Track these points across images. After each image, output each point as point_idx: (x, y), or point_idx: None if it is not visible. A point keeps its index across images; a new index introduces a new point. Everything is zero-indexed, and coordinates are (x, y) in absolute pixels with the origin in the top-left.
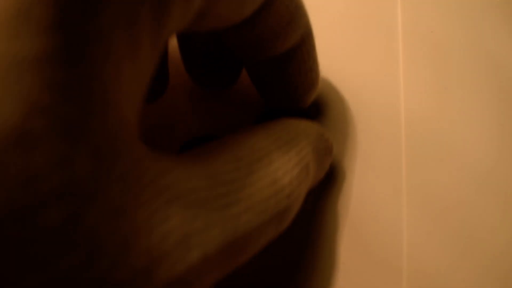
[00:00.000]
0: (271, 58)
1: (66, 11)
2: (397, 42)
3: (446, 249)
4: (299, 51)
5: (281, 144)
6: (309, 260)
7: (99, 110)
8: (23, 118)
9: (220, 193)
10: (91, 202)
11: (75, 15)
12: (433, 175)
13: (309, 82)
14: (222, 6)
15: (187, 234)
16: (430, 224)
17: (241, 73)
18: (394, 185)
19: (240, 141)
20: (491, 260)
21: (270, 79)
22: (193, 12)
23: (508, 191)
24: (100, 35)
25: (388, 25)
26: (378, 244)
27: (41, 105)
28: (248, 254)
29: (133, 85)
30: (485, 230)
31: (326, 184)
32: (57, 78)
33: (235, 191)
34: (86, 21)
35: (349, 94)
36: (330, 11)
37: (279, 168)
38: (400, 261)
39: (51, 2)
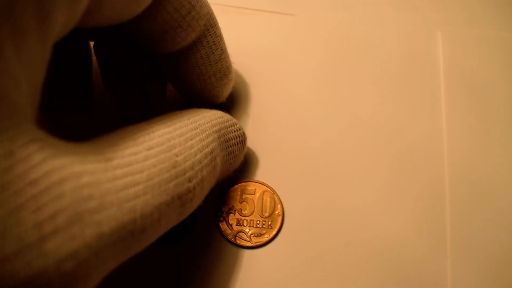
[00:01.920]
0: (178, 51)
1: None
2: (439, 84)
3: None
4: (205, 41)
5: (183, 132)
6: None
7: None
8: None
9: (117, 175)
10: None
11: None
12: (478, 222)
13: (220, 72)
14: (108, 3)
15: (80, 213)
16: (475, 274)
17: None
18: (439, 234)
19: (142, 128)
20: None
21: (180, 73)
22: (79, 12)
23: None
24: None
25: (430, 67)
26: None
27: None
28: (149, 237)
29: (23, 76)
30: None
31: None
32: None
33: (132, 174)
34: None
35: (392, 138)
36: (372, 52)
37: (180, 153)
38: None
39: None
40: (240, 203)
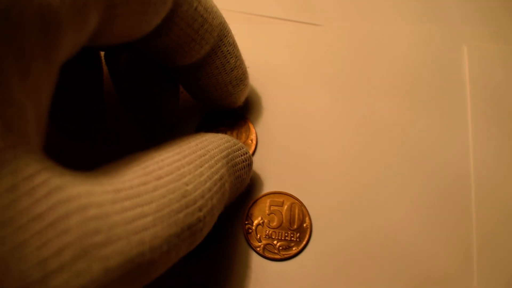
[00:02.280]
0: (193, 64)
1: None
2: (465, 99)
3: None
4: (219, 52)
5: (192, 159)
6: None
7: None
8: None
9: (125, 207)
10: None
11: None
12: (504, 240)
13: (236, 79)
14: (118, 25)
15: (87, 248)
16: None
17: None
18: (465, 250)
19: (150, 156)
20: None
21: (196, 84)
22: (87, 34)
23: None
24: None
25: (455, 81)
26: None
27: None
28: (158, 269)
29: (28, 103)
30: None
31: None
32: None
33: (141, 205)
34: None
35: (417, 153)
36: (397, 65)
37: (190, 181)
38: None
39: None
40: (269, 215)
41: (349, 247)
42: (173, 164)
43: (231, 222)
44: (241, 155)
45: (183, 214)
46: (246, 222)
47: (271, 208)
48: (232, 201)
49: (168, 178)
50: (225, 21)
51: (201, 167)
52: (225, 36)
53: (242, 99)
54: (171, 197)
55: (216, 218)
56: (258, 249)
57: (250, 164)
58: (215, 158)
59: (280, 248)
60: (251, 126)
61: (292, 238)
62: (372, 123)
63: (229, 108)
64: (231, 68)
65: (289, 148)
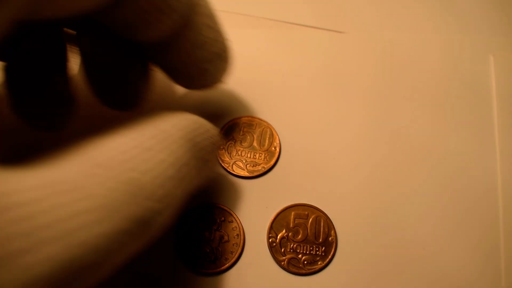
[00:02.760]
0: (164, 39)
1: None
2: (492, 111)
3: None
4: (191, 23)
5: (151, 145)
6: None
7: None
8: None
9: (58, 204)
10: None
11: None
12: None
13: (212, 54)
14: None
15: (5, 256)
16: None
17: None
18: (494, 266)
19: (101, 143)
20: None
21: (170, 61)
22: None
23: None
24: None
25: (481, 92)
26: None
27: None
28: (106, 267)
29: None
30: None
31: None
32: None
33: (82, 200)
34: None
35: (443, 166)
36: (422, 75)
37: (147, 171)
38: None
39: None
40: (293, 228)
41: (376, 261)
42: (127, 152)
43: (254, 235)
44: (209, 138)
45: (137, 208)
46: (270, 235)
47: (296, 221)
48: (199, 187)
49: (120, 168)
50: None
51: (161, 152)
52: (198, 4)
53: (220, 77)
54: (122, 189)
55: (179, 208)
56: (282, 263)
57: (217, 148)
58: (178, 143)
59: (305, 262)
60: (274, 132)
61: (318, 252)
62: (396, 134)
63: (207, 88)
64: (205, 42)
65: (314, 157)
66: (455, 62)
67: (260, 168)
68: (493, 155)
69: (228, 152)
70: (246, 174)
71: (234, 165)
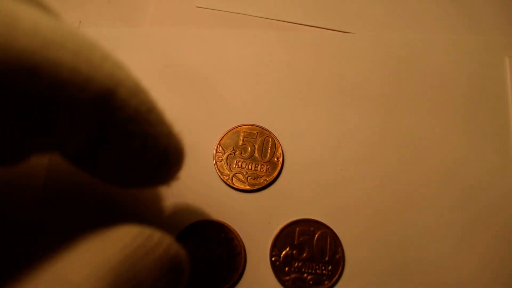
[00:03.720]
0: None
1: None
2: (508, 114)
3: None
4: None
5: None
6: None
7: None
8: None
9: None
10: None
11: None
12: None
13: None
14: None
15: None
16: None
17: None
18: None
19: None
20: None
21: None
22: None
23: None
24: None
25: (497, 95)
26: None
27: None
28: None
29: None
30: None
31: None
32: None
33: None
34: None
35: (456, 173)
36: (434, 77)
37: None
38: None
39: None
40: (297, 245)
41: (386, 280)
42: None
43: (256, 252)
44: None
45: None
46: (273, 253)
47: (300, 238)
48: None
49: None
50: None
51: None
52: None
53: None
54: None
55: None
56: (286, 283)
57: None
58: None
59: (311, 282)
60: (277, 142)
61: (324, 271)
62: (409, 142)
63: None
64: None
65: (319, 168)
66: (469, 64)
67: (262, 180)
68: (509, 162)
69: (227, 164)
70: (247, 187)
71: (234, 178)
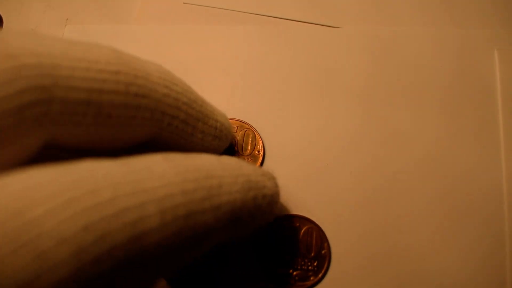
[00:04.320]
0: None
1: None
2: (496, 108)
3: None
4: (166, 132)
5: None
6: None
7: None
8: None
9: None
10: None
11: None
12: None
13: (198, 140)
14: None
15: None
16: None
17: None
18: (498, 276)
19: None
20: None
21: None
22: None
23: None
24: None
25: (485, 89)
26: None
27: None
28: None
29: None
30: None
31: None
32: None
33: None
34: None
35: (443, 168)
36: (421, 71)
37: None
38: None
39: None
40: (282, 240)
41: (373, 275)
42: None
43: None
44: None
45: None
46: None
47: (284, 233)
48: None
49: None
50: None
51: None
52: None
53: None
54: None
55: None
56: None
57: (273, 202)
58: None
59: (297, 278)
60: (257, 135)
61: (310, 267)
62: (394, 136)
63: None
64: (191, 141)
65: (302, 162)
66: (457, 57)
67: None
68: (498, 154)
69: None
70: None
71: None
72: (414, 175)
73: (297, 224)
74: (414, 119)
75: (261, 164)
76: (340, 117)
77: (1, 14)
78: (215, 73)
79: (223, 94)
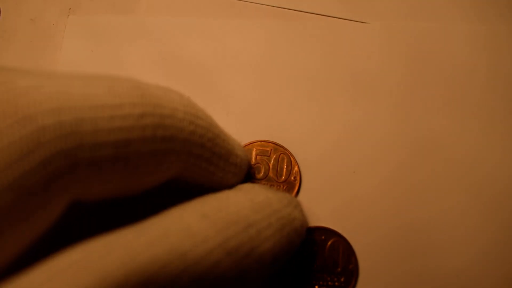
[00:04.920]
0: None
1: None
2: None
3: None
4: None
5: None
6: None
7: None
8: None
9: None
10: None
11: None
12: None
13: (218, 179)
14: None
15: None
16: None
17: None
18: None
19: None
20: None
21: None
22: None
23: None
24: None
25: None
26: None
27: None
28: None
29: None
30: None
31: None
32: None
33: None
34: None
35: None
36: (452, 69)
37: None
38: None
39: None
40: (306, 255)
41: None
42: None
43: None
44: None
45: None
46: None
47: (310, 247)
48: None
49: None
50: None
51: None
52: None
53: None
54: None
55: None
56: None
57: (301, 235)
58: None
59: None
60: (292, 159)
61: (336, 283)
62: (418, 133)
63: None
64: (212, 171)
65: (336, 173)
66: (492, 56)
67: None
68: None
69: None
70: None
71: None
72: (447, 183)
73: (323, 237)
74: (448, 125)
75: (298, 191)
76: (372, 122)
77: None
78: (230, 74)
79: (244, 102)
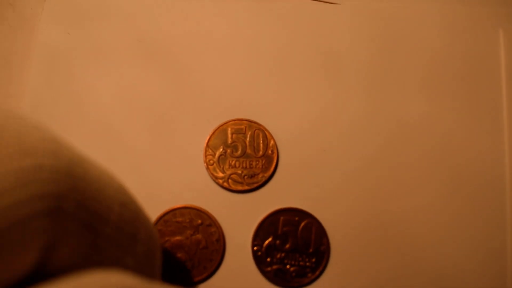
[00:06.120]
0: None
1: None
2: (500, 89)
3: None
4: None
5: None
6: None
7: None
8: None
9: None
10: None
11: None
12: None
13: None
14: None
15: None
16: None
17: None
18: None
19: None
20: None
21: None
22: None
23: None
24: None
25: (489, 69)
26: None
27: None
28: None
29: None
30: None
31: None
32: None
33: None
34: None
35: (445, 152)
36: (423, 50)
37: None
38: None
39: None
40: (281, 235)
41: (373, 273)
42: None
43: (236, 240)
44: None
45: None
46: (255, 243)
47: (284, 228)
48: None
49: None
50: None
51: None
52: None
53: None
54: None
55: None
56: (268, 274)
57: None
58: None
59: (294, 274)
60: (267, 134)
61: (307, 263)
62: (393, 117)
63: None
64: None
65: (303, 151)
66: (461, 36)
67: (260, 177)
68: (500, 140)
69: (220, 166)
70: (245, 187)
71: (230, 180)
72: (417, 164)
73: (296, 218)
74: (416, 104)
75: (276, 164)
76: (343, 100)
77: None
78: (206, 54)
79: (220, 91)
